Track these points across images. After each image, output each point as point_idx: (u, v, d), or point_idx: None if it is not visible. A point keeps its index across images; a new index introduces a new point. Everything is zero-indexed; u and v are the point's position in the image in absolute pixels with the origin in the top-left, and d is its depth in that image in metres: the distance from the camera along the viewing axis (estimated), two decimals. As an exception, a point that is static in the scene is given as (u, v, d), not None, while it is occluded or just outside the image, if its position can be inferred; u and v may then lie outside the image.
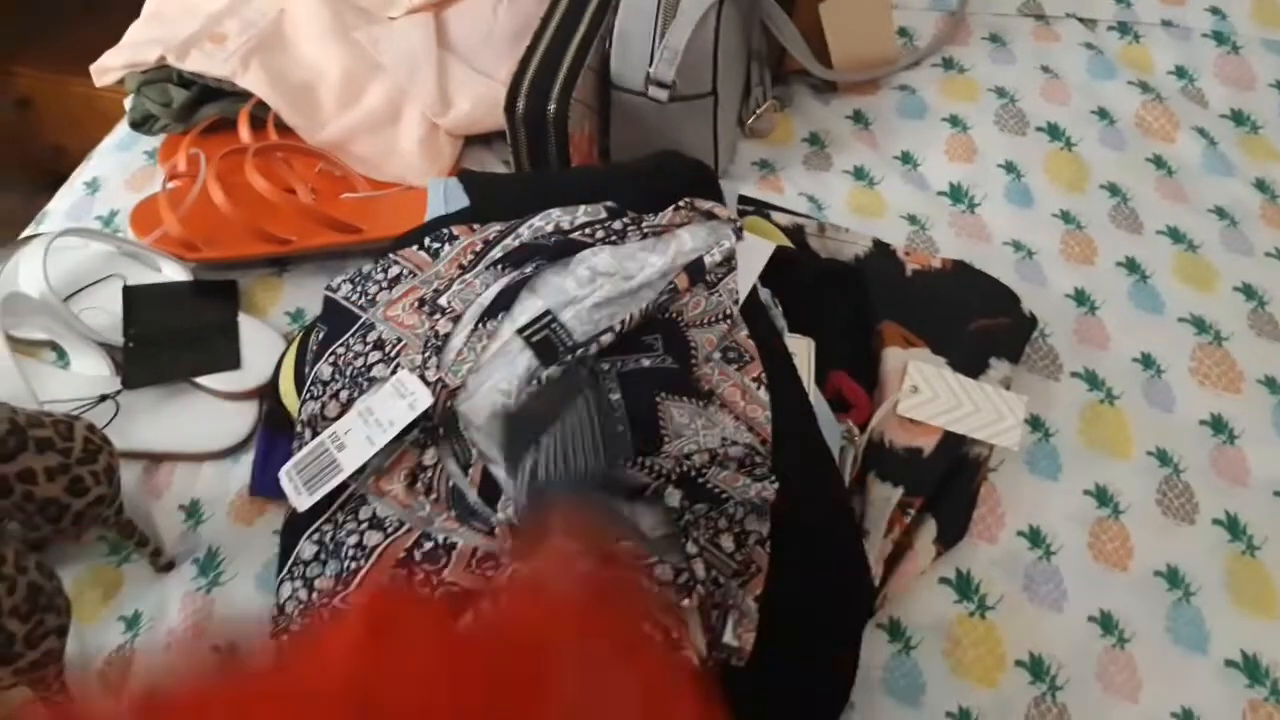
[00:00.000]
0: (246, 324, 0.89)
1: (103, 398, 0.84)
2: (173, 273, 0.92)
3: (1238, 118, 1.12)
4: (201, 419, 0.85)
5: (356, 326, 0.72)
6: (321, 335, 0.74)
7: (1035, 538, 0.79)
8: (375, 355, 0.69)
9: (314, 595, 0.61)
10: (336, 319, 0.75)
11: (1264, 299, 0.95)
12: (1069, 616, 0.76)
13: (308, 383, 0.71)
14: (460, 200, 0.82)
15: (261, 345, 0.88)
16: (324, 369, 0.70)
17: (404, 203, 0.96)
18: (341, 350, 0.71)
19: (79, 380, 0.86)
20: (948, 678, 0.73)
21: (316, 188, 0.97)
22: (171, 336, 0.88)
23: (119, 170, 1.06)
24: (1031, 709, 0.72)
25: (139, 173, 1.05)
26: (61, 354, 0.89)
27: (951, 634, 0.75)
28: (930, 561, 0.77)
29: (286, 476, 0.61)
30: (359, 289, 0.76)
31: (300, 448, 0.65)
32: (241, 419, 0.85)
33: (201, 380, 0.85)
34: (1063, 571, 0.78)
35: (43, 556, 0.64)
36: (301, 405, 0.70)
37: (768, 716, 0.63)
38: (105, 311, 0.89)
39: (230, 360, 0.86)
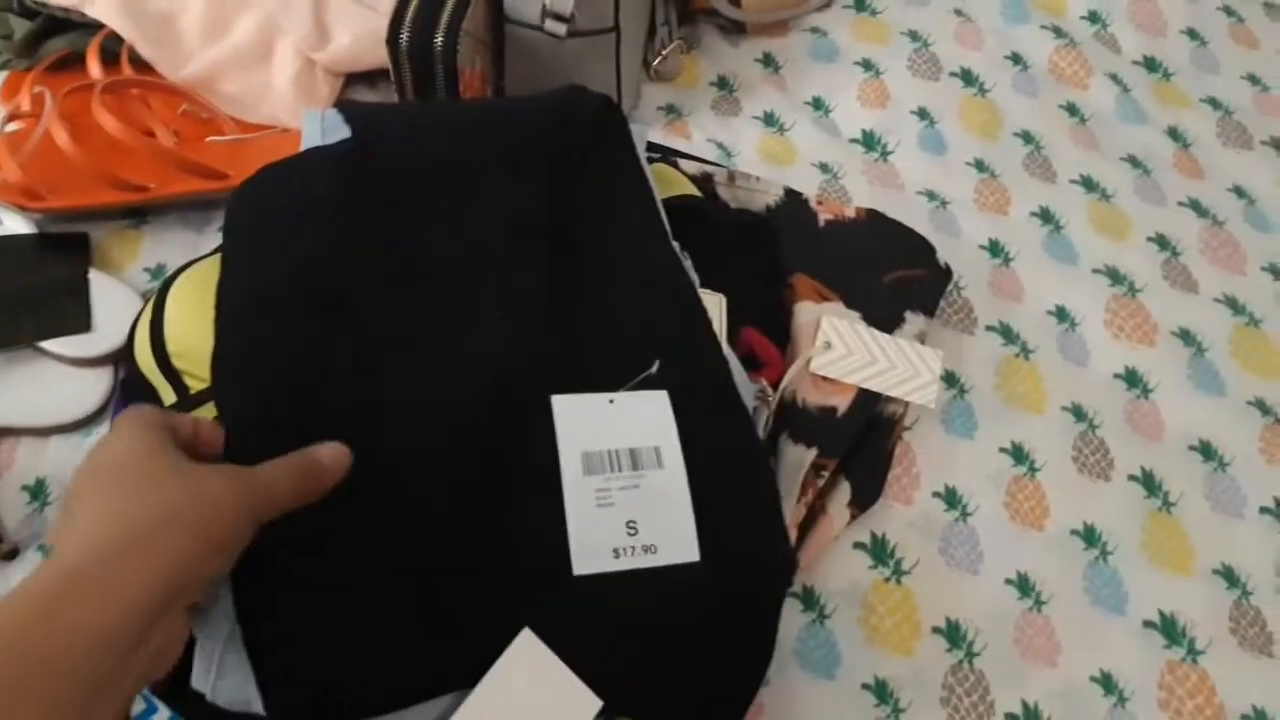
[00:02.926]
0: (99, 281, 0.80)
1: (-67, 365, 0.75)
2: (14, 225, 0.82)
3: (1150, 64, 1.10)
4: (47, 388, 0.76)
5: None
6: None
7: (952, 498, 0.76)
8: None
9: None
10: None
11: (1177, 249, 0.94)
12: (985, 579, 0.73)
13: None
14: (340, 133, 0.74)
15: (116, 305, 0.79)
16: None
17: (277, 146, 0.87)
18: None
19: (-95, 345, 0.77)
20: (863, 647, 0.70)
21: (180, 130, 0.88)
22: (13, 297, 0.78)
23: (-46, 110, 0.95)
24: (949, 676, 0.69)
25: (-23, 114, 0.95)
26: (-115, 316, 0.79)
27: (867, 601, 0.72)
28: (844, 525, 0.73)
29: None
30: None
31: None
32: (93, 388, 0.76)
33: (47, 345, 0.76)
34: (979, 532, 0.75)
35: None
36: None
37: (678, 693, 0.58)
38: (-65, 268, 0.79)
39: (79, 322, 0.77)
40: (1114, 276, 0.91)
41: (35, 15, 0.93)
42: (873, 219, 0.85)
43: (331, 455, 0.53)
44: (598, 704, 0.54)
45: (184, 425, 0.52)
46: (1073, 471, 0.79)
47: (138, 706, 0.60)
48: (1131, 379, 0.85)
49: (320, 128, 0.74)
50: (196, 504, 0.45)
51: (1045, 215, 0.94)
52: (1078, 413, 0.82)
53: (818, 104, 1.01)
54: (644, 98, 1.00)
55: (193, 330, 0.69)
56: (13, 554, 0.70)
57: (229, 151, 0.86)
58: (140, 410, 0.51)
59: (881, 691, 0.68)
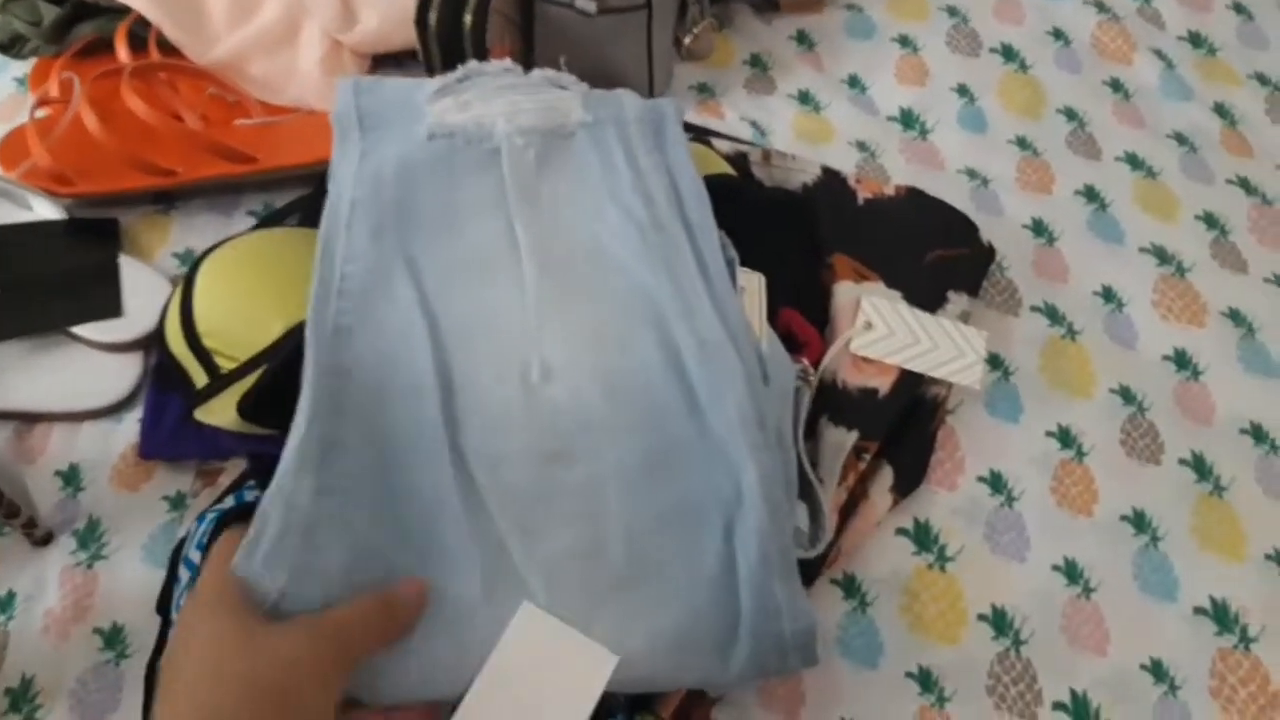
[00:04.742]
0: (129, 267, 0.80)
1: (-35, 351, 0.74)
2: (44, 210, 0.82)
3: (1195, 39, 1.07)
4: (79, 374, 0.75)
5: None
6: None
7: (996, 483, 0.74)
8: None
9: None
10: None
11: (1225, 228, 0.91)
12: (1032, 566, 0.71)
13: None
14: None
15: (146, 290, 0.78)
16: None
17: (304, 128, 0.86)
18: None
19: (-63, 332, 0.76)
20: (907, 636, 0.68)
21: (207, 114, 0.87)
22: (44, 282, 0.78)
23: (-16, 98, 0.94)
24: (995, 665, 0.67)
25: (8, 101, 0.94)
26: (-84, 303, 0.79)
27: (910, 588, 0.70)
28: (887, 511, 0.71)
29: None
30: None
31: None
32: (124, 373, 0.76)
33: (78, 330, 0.76)
34: (1025, 519, 0.73)
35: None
36: None
37: None
38: (-34, 255, 0.79)
39: (110, 308, 0.77)
40: (1161, 256, 0.88)
41: (63, 1, 0.92)
42: (913, 197, 0.83)
43: (409, 591, 0.53)
44: (614, 659, 0.53)
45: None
46: (1121, 455, 0.77)
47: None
48: (1181, 360, 0.82)
49: (353, 96, 0.73)
50: (281, 676, 0.46)
51: (1090, 194, 0.92)
52: (1126, 395, 0.80)
53: (854, 82, 0.99)
54: (676, 77, 0.98)
55: (222, 309, 0.68)
56: (47, 539, 0.70)
57: (256, 134, 0.86)
58: (221, 583, 0.51)
59: (926, 680, 0.66)
